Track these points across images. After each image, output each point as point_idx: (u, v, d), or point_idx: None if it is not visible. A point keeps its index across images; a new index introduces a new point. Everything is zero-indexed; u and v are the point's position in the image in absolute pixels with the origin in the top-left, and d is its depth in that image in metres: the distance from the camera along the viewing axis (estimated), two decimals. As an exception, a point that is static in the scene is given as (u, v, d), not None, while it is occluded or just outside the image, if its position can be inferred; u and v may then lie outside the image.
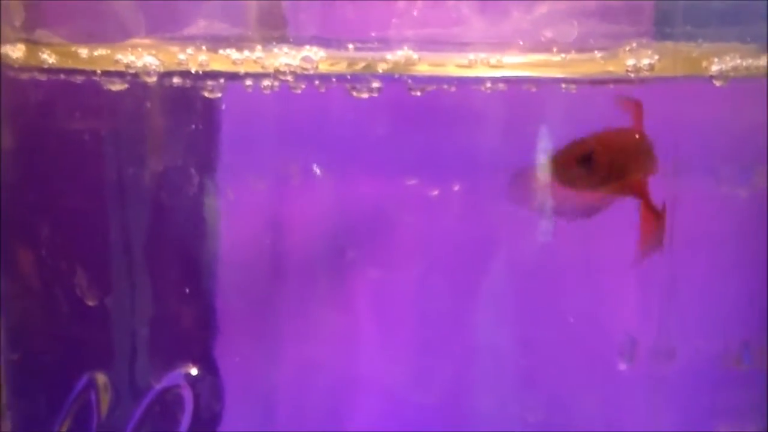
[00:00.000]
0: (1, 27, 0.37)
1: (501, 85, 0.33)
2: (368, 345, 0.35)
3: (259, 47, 0.33)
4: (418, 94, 0.33)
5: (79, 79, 0.35)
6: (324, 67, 0.33)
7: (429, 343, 0.35)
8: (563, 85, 0.33)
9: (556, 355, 0.35)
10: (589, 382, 0.36)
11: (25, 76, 0.36)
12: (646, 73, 0.33)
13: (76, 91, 0.35)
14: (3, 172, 0.37)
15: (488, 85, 0.33)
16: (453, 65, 0.33)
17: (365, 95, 0.33)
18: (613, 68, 0.33)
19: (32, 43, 0.35)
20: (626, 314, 0.36)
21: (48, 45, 0.35)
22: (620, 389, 0.36)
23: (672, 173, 0.35)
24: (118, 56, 0.34)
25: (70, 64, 0.34)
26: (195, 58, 0.33)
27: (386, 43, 0.33)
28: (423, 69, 0.33)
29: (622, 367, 0.35)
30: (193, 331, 0.34)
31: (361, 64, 0.33)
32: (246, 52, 0.33)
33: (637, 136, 0.34)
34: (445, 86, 0.33)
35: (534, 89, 0.34)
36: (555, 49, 0.33)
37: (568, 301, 0.35)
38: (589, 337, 0.35)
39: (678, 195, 0.35)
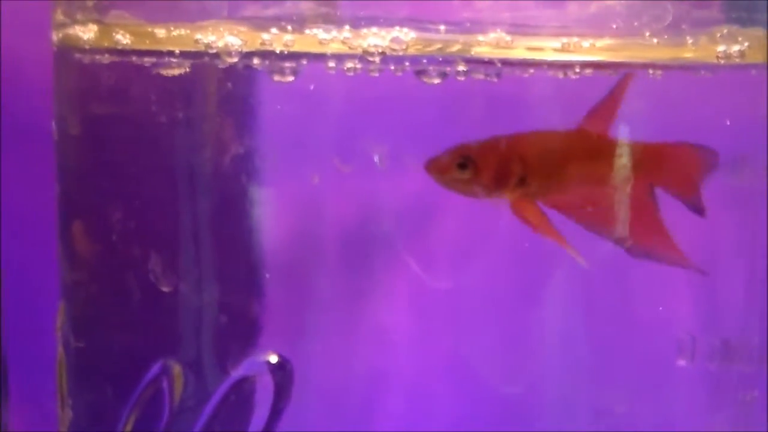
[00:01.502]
0: (68, 9, 0.35)
1: (588, 70, 0.31)
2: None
3: (347, 27, 0.31)
4: (501, 78, 0.31)
5: (153, 60, 0.33)
6: (414, 49, 0.31)
7: (479, 338, 0.33)
8: (650, 71, 0.32)
9: (604, 353, 0.34)
10: (648, 380, 0.34)
11: (96, 57, 0.34)
12: (736, 60, 0.32)
13: (150, 74, 0.33)
14: (70, 157, 0.35)
15: (577, 69, 0.31)
16: (547, 49, 0.31)
17: (452, 78, 0.31)
18: (702, 54, 0.32)
19: (105, 24, 0.33)
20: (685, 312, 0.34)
21: (122, 25, 0.33)
22: (680, 387, 0.34)
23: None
24: (198, 36, 0.32)
25: (146, 44, 0.32)
26: (280, 38, 0.31)
27: (478, 26, 0.31)
28: (516, 53, 0.31)
29: (681, 364, 0.34)
30: (269, 318, 0.32)
31: (454, 47, 0.31)
32: (333, 33, 0.31)
33: (577, 141, 0.32)
34: (533, 70, 0.31)
35: (619, 74, 0.32)
36: (648, 34, 0.31)
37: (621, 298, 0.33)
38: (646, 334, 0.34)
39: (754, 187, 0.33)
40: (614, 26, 0.31)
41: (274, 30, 0.31)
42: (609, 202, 0.32)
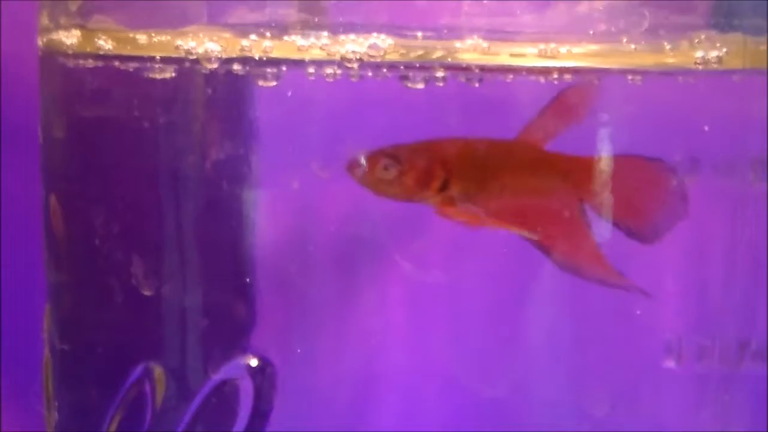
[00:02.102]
0: (53, 13, 0.35)
1: (568, 76, 0.31)
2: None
3: (325, 34, 0.31)
4: (482, 83, 0.31)
5: (136, 65, 0.32)
6: (392, 56, 0.31)
7: (470, 341, 0.33)
8: (630, 77, 0.31)
9: (596, 355, 0.33)
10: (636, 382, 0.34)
11: (79, 62, 0.34)
12: (714, 66, 0.31)
13: (133, 78, 0.33)
14: (54, 160, 0.35)
15: (555, 75, 0.31)
16: (525, 55, 0.31)
17: (432, 84, 0.31)
18: (680, 60, 0.31)
19: (88, 29, 0.33)
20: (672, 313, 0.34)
21: (105, 31, 0.33)
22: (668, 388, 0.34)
23: (731, 168, 0.33)
24: (179, 42, 0.32)
25: (127, 50, 0.32)
26: (259, 45, 0.31)
27: (456, 32, 0.31)
28: (492, 59, 0.31)
29: (670, 365, 0.33)
30: (249, 321, 0.32)
31: (430, 53, 0.31)
32: (312, 39, 0.31)
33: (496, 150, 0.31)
34: (511, 76, 0.31)
35: (599, 80, 0.32)
36: (625, 40, 0.31)
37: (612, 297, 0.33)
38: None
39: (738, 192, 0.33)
40: (591, 32, 0.31)
41: (253, 36, 0.31)
42: (533, 214, 0.31)
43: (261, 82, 0.32)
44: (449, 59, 0.31)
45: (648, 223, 0.32)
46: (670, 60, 0.32)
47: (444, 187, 0.31)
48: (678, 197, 0.32)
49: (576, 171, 0.31)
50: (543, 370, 0.33)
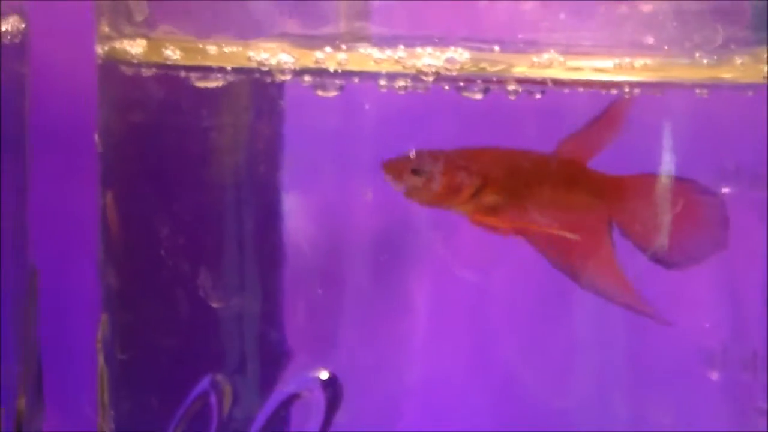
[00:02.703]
0: (115, 22, 0.34)
1: (637, 90, 0.31)
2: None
3: (401, 47, 0.30)
4: (558, 96, 0.31)
5: (203, 76, 0.32)
6: (468, 69, 0.30)
7: (504, 345, 0.33)
8: (697, 90, 0.31)
9: (631, 361, 0.33)
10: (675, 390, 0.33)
11: (144, 72, 0.33)
12: (781, 81, 0.31)
13: (199, 88, 0.32)
14: (115, 169, 0.35)
15: (626, 89, 0.31)
16: (592, 69, 0.30)
17: (508, 97, 0.30)
18: (749, 74, 0.31)
19: (154, 39, 0.33)
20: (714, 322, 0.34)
21: (172, 41, 0.32)
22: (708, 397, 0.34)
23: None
24: (251, 53, 0.31)
25: (197, 60, 0.32)
26: (334, 57, 0.31)
27: (532, 45, 0.30)
28: (565, 73, 0.30)
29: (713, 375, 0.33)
30: (321, 333, 0.32)
31: (505, 66, 0.30)
32: (388, 52, 0.30)
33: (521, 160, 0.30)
34: (581, 89, 0.31)
35: (664, 94, 0.31)
36: (698, 55, 0.31)
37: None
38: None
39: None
40: (665, 47, 0.30)
41: (328, 48, 0.31)
42: (561, 231, 0.30)
43: (324, 93, 0.31)
44: (525, 73, 0.30)
45: (679, 251, 0.31)
46: (737, 74, 0.31)
47: (475, 196, 0.30)
48: (718, 225, 0.31)
49: (607, 189, 0.31)
50: (579, 377, 0.33)
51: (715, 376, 0.33)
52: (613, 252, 0.31)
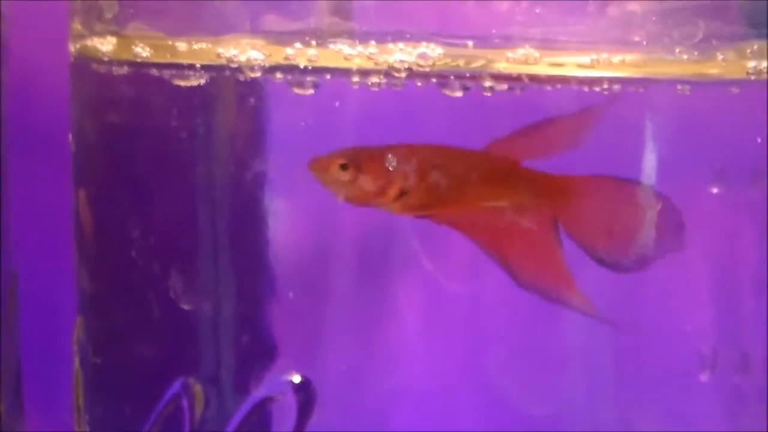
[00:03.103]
0: (86, 20, 0.33)
1: (617, 86, 0.30)
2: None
3: (373, 42, 0.29)
4: (535, 92, 0.30)
5: (173, 73, 0.31)
6: (441, 65, 0.29)
7: (497, 351, 0.32)
8: (679, 87, 0.30)
9: (624, 365, 0.32)
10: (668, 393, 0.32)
11: (114, 70, 0.32)
12: (765, 76, 0.30)
13: (171, 86, 0.31)
14: (88, 169, 0.34)
15: (605, 85, 0.30)
16: (574, 65, 0.29)
17: (477, 93, 0.29)
18: (732, 70, 0.30)
19: (124, 36, 0.32)
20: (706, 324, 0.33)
21: (142, 38, 0.31)
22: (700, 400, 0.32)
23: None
24: (220, 50, 0.30)
25: (167, 57, 0.31)
26: (304, 53, 0.30)
27: (507, 41, 0.29)
28: (542, 68, 0.29)
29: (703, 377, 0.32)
30: (293, 335, 0.31)
31: (480, 62, 0.29)
32: (359, 48, 0.29)
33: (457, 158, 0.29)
34: (560, 86, 0.30)
35: (646, 90, 0.30)
36: (678, 50, 0.30)
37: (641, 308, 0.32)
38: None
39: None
40: (644, 42, 0.29)
41: (297, 44, 0.30)
42: (502, 231, 0.29)
43: (301, 91, 0.30)
44: (499, 68, 0.29)
45: (627, 254, 0.30)
46: (719, 70, 0.30)
47: (401, 195, 0.29)
48: (669, 228, 0.30)
49: (551, 189, 0.29)
50: (572, 383, 0.32)
51: (706, 378, 0.32)
52: (559, 252, 0.29)
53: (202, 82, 0.31)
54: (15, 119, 0.38)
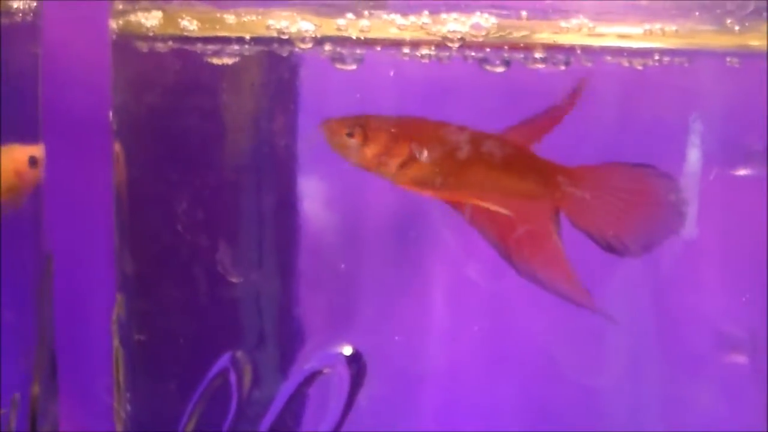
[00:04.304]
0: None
1: (667, 58, 0.29)
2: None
3: (426, 12, 0.28)
4: (590, 64, 0.29)
5: (221, 47, 0.30)
6: (494, 36, 0.28)
7: (520, 334, 0.31)
8: (728, 59, 0.29)
9: (647, 346, 0.31)
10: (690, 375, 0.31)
11: (159, 46, 0.31)
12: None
13: (217, 60, 0.30)
14: (132, 147, 0.33)
15: (656, 57, 0.29)
16: (620, 35, 0.28)
17: (535, 65, 0.28)
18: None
19: (170, 10, 0.31)
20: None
21: (189, 11, 0.30)
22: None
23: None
24: (270, 21, 0.29)
25: (217, 30, 0.30)
26: (356, 24, 0.29)
27: (561, 12, 0.28)
28: (593, 40, 0.29)
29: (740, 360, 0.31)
30: (342, 308, 0.30)
31: (533, 33, 0.28)
32: (412, 18, 0.28)
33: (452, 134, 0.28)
34: (609, 58, 0.29)
35: (696, 62, 0.30)
36: (729, 21, 0.29)
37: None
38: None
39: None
40: (696, 13, 0.29)
41: (350, 15, 0.29)
42: (499, 214, 0.29)
43: (353, 66, 0.29)
44: (553, 39, 0.28)
45: (632, 238, 0.29)
46: (761, 42, 0.29)
47: (404, 166, 0.28)
48: (671, 210, 0.29)
49: (555, 176, 0.29)
50: (594, 366, 0.31)
51: (741, 361, 0.31)
52: (558, 241, 0.29)
53: (249, 58, 0.30)
54: (46, 101, 0.37)
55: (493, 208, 0.28)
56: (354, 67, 0.29)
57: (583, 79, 0.28)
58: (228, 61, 0.30)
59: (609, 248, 0.29)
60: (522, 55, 0.29)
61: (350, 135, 0.28)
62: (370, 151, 0.28)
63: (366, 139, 0.28)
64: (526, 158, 0.29)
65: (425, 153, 0.28)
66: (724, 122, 0.30)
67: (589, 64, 0.29)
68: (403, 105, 0.30)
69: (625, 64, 0.29)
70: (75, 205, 0.41)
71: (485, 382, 0.31)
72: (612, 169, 0.29)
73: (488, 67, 0.29)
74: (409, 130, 0.29)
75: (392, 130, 0.28)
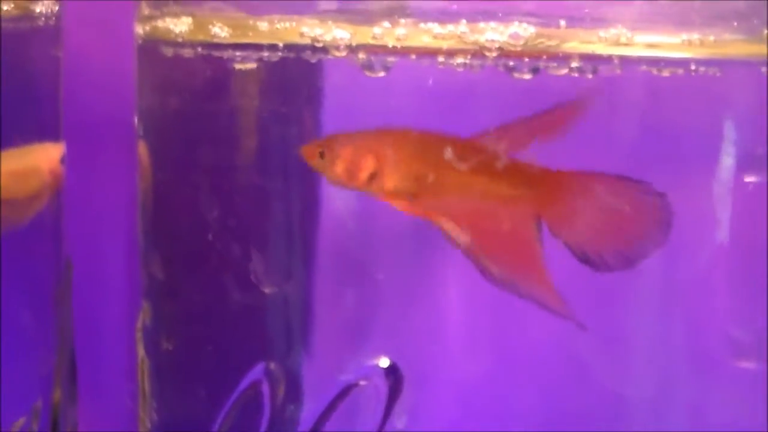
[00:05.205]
0: (157, 1, 0.31)
1: (702, 68, 0.28)
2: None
3: (464, 21, 0.28)
4: (624, 74, 0.28)
5: (251, 54, 0.29)
6: (533, 45, 0.27)
7: (537, 337, 0.30)
8: (763, 69, 0.29)
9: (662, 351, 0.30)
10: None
11: (187, 52, 0.30)
12: None
13: (257, 66, 0.29)
14: (158, 153, 0.32)
15: (692, 67, 0.28)
16: (666, 45, 0.28)
17: (572, 74, 0.28)
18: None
19: (201, 16, 0.30)
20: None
21: (220, 17, 0.29)
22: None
23: None
24: (304, 29, 0.28)
25: (249, 37, 0.29)
26: (392, 32, 0.28)
27: (600, 21, 0.27)
28: (631, 50, 0.28)
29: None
30: (380, 319, 0.29)
31: (571, 42, 0.28)
32: (449, 27, 0.28)
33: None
34: (644, 67, 0.28)
35: (728, 72, 0.29)
36: (766, 32, 0.28)
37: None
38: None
39: None
40: (734, 23, 0.28)
41: (386, 23, 0.28)
42: (479, 221, 0.28)
43: (377, 73, 0.28)
44: (592, 49, 0.28)
45: (613, 252, 0.27)
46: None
47: (377, 179, 0.28)
48: (657, 223, 0.28)
49: (536, 183, 0.27)
50: (611, 369, 0.30)
51: (749, 366, 0.30)
52: (539, 249, 0.27)
53: (278, 64, 0.29)
54: (65, 105, 0.36)
55: (453, 230, 0.27)
56: (383, 74, 0.29)
57: (588, 94, 0.27)
58: (257, 66, 0.29)
59: (585, 260, 0.27)
60: (555, 64, 0.28)
61: (322, 155, 0.28)
62: (340, 167, 0.28)
63: (335, 157, 0.28)
64: (505, 163, 0.28)
65: (392, 162, 0.28)
66: (758, 132, 0.29)
67: (618, 72, 0.28)
68: (434, 114, 0.29)
69: (655, 72, 0.28)
70: (91, 210, 0.40)
71: (524, 388, 0.30)
72: (597, 179, 0.28)
73: (516, 75, 0.28)
74: (375, 141, 0.28)
75: (358, 144, 0.28)
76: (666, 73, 0.28)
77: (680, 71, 0.28)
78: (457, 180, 0.28)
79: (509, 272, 0.27)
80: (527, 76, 0.28)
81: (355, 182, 0.28)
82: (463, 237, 0.27)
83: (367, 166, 0.28)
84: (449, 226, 0.28)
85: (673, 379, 0.30)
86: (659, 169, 0.29)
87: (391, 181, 0.28)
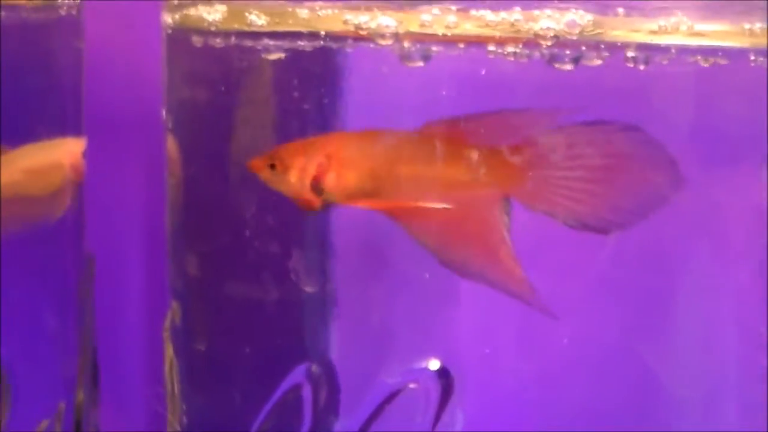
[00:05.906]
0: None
1: (761, 59, 0.27)
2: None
3: (517, 8, 0.26)
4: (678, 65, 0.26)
5: (293, 42, 0.27)
6: (589, 33, 0.26)
7: (553, 339, 0.28)
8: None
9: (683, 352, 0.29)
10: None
11: (220, 42, 0.28)
12: None
13: (292, 56, 0.27)
14: (191, 150, 0.30)
15: (751, 57, 0.27)
16: (735, 33, 0.26)
17: (638, 66, 0.26)
18: None
19: (236, 4, 0.28)
20: None
21: (257, 5, 0.28)
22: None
23: None
24: (348, 16, 0.27)
25: (289, 25, 0.27)
26: (442, 19, 0.26)
27: (659, 9, 0.26)
28: (690, 39, 0.26)
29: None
30: (425, 321, 0.27)
31: (628, 30, 0.26)
32: (502, 14, 0.26)
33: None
34: (700, 57, 0.27)
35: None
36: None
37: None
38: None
39: None
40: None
41: (435, 10, 0.26)
42: (438, 212, 0.26)
43: (422, 63, 0.27)
44: (650, 39, 0.26)
45: (615, 211, 0.25)
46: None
47: (317, 184, 0.26)
48: (662, 171, 0.25)
49: (497, 159, 0.25)
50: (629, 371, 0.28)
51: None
52: (506, 234, 0.25)
53: (317, 54, 0.27)
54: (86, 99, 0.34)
55: (430, 205, 0.26)
56: (421, 64, 0.27)
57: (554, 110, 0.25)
58: (291, 56, 0.27)
59: (584, 228, 0.25)
60: (607, 53, 0.26)
61: (273, 167, 0.27)
62: (293, 176, 0.27)
63: (286, 168, 0.26)
64: (462, 151, 0.26)
65: (336, 165, 0.26)
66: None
67: (670, 62, 0.27)
68: (473, 105, 0.27)
69: (709, 63, 0.27)
70: (112, 206, 0.38)
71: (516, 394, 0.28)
72: (571, 133, 0.25)
73: (557, 65, 0.26)
74: (324, 145, 0.27)
75: (308, 150, 0.27)
76: (723, 62, 0.26)
77: (738, 62, 0.27)
78: (414, 172, 0.26)
79: (476, 261, 0.25)
80: (568, 67, 0.27)
81: (303, 190, 0.26)
82: (427, 230, 0.26)
83: (321, 171, 0.26)
84: (413, 221, 0.26)
85: (717, 380, 0.28)
86: (713, 161, 0.27)
87: (347, 182, 0.26)
